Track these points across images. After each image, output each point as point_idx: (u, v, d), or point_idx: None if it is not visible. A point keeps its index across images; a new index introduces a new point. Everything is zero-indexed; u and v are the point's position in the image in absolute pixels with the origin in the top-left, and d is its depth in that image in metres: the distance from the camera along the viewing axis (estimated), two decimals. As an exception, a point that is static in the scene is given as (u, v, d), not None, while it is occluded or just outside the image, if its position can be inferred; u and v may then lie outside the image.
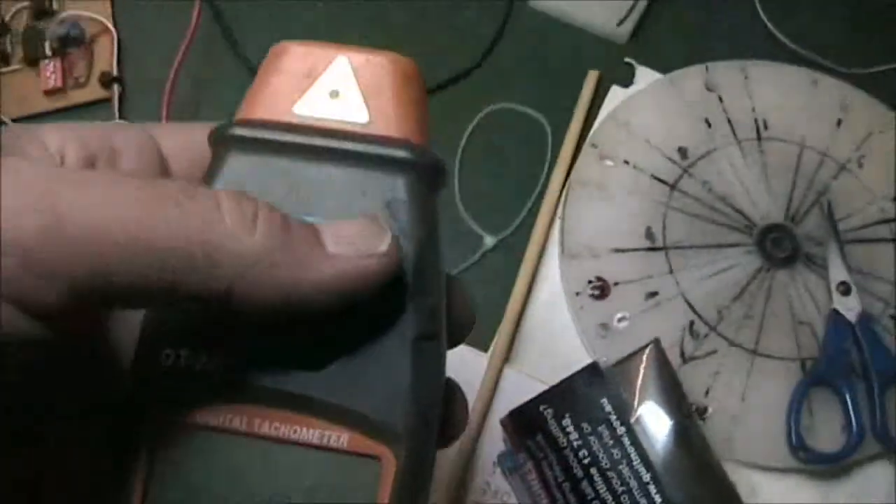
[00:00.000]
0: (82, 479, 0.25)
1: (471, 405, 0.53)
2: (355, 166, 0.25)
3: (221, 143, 0.26)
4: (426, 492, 0.25)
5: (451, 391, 0.28)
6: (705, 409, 0.56)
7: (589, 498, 0.51)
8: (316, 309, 0.22)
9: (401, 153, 0.25)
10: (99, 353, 0.26)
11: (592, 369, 0.52)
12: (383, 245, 0.23)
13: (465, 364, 0.57)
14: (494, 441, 0.55)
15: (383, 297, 0.24)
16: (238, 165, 0.25)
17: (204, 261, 0.20)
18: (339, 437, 0.25)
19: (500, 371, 0.57)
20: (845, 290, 0.58)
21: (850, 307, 0.58)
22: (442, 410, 0.27)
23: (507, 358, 0.57)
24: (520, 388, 0.54)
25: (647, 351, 0.53)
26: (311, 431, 0.25)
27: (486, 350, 0.57)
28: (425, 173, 0.26)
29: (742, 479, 0.53)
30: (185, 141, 0.28)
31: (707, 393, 0.56)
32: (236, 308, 0.21)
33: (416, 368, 0.25)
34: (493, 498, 0.55)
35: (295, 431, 0.25)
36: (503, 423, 0.53)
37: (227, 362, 0.25)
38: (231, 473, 0.24)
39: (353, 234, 0.23)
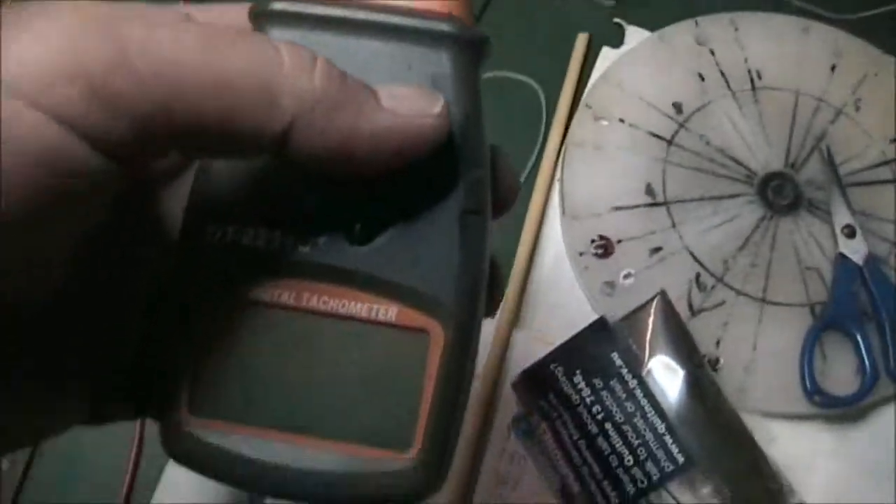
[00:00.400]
0: (135, 348, 0.26)
1: (480, 371, 0.53)
2: (399, 41, 0.25)
3: (262, 18, 0.25)
4: (472, 365, 0.25)
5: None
6: (717, 361, 0.55)
7: (605, 453, 0.50)
8: (368, 166, 0.22)
9: (445, 27, 0.25)
10: (149, 226, 0.26)
11: (600, 324, 0.52)
12: (436, 108, 0.23)
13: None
14: (508, 406, 0.55)
15: (431, 169, 0.24)
16: (280, 39, 0.24)
17: (265, 99, 0.20)
18: (388, 310, 0.25)
19: (509, 335, 0.56)
20: (850, 232, 0.58)
21: (855, 250, 0.57)
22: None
23: (514, 322, 0.57)
24: (529, 350, 0.54)
25: (654, 303, 0.52)
26: (360, 305, 0.25)
27: (492, 316, 0.57)
28: (469, 47, 0.25)
29: (759, 427, 0.53)
30: (220, 20, 0.27)
31: (718, 344, 0.56)
32: (292, 155, 0.21)
33: (463, 242, 0.25)
34: (510, 462, 0.54)
35: (343, 305, 0.25)
36: (514, 385, 0.53)
37: (274, 237, 0.24)
38: (279, 348, 0.24)
39: (406, 94, 0.23)
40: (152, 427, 0.56)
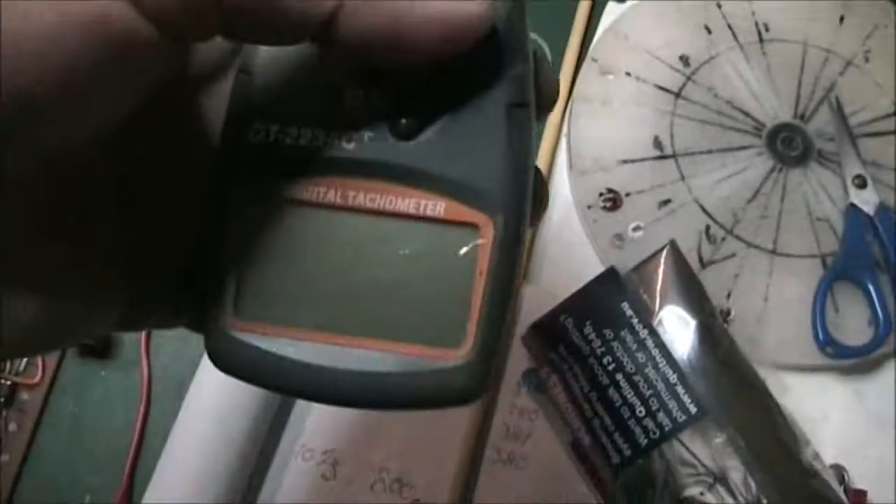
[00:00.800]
0: (179, 250, 0.25)
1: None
2: None
3: None
4: (520, 261, 0.25)
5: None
6: (728, 313, 0.55)
7: (617, 405, 0.50)
8: (414, 54, 0.22)
9: None
10: (190, 127, 0.26)
11: (610, 274, 0.51)
12: None
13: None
14: (518, 360, 0.54)
15: (476, 62, 0.23)
16: None
17: None
18: (436, 205, 0.24)
19: (518, 290, 0.56)
20: (861, 183, 0.57)
21: (866, 200, 0.57)
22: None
23: (524, 277, 0.56)
24: (538, 305, 0.53)
25: (664, 253, 0.52)
26: (407, 201, 0.24)
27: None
28: None
29: (771, 378, 0.52)
30: None
31: (729, 296, 0.55)
32: (339, 39, 0.21)
33: (510, 135, 0.24)
34: (520, 417, 0.54)
35: (390, 202, 0.24)
36: (524, 339, 0.53)
37: (318, 135, 0.24)
38: (325, 248, 0.24)
39: None
40: (158, 391, 0.56)
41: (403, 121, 0.24)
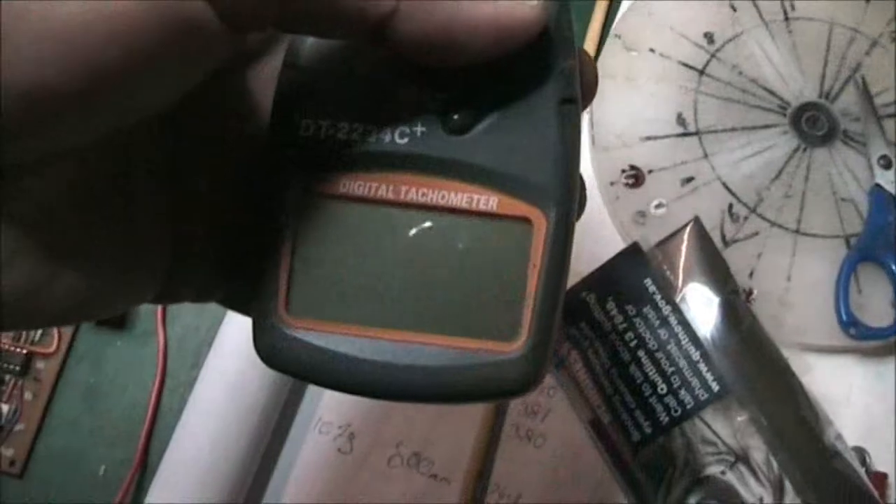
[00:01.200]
0: (218, 226, 0.26)
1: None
2: None
3: None
4: (570, 254, 0.25)
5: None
6: (751, 292, 0.54)
7: (638, 382, 0.50)
8: (467, 55, 0.22)
9: None
10: (234, 103, 0.26)
11: (634, 250, 0.51)
12: None
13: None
14: (537, 336, 0.54)
15: (528, 58, 0.24)
16: None
17: None
18: (489, 200, 0.24)
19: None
20: (886, 163, 0.56)
21: (891, 180, 0.56)
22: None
23: (543, 253, 0.56)
24: (559, 281, 0.52)
25: (687, 229, 0.51)
26: (460, 196, 0.24)
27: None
28: None
29: (794, 359, 0.52)
30: None
31: (751, 275, 0.55)
32: (393, 39, 0.21)
33: (562, 131, 0.24)
34: (539, 393, 0.53)
35: (443, 197, 0.24)
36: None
37: (370, 130, 0.24)
38: (379, 243, 0.24)
39: None
40: (173, 361, 0.55)
41: (456, 115, 0.24)
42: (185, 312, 0.57)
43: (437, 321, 0.24)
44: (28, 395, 0.54)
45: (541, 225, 0.24)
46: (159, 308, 0.56)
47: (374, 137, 0.24)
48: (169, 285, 0.25)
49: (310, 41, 0.24)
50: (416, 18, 0.21)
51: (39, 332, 0.56)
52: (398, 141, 0.24)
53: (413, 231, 0.24)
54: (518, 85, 0.24)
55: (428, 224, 0.24)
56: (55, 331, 0.56)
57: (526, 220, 0.24)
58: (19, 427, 0.54)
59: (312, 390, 0.54)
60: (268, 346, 0.24)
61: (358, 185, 0.24)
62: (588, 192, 0.54)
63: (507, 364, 0.24)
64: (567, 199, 0.24)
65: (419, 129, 0.24)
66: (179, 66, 0.19)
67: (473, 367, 0.24)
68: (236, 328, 0.52)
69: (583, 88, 0.26)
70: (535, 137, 0.24)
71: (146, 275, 0.24)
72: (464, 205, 0.24)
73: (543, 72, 0.24)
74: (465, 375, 0.24)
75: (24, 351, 0.55)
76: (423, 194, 0.24)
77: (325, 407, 0.53)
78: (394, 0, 0.20)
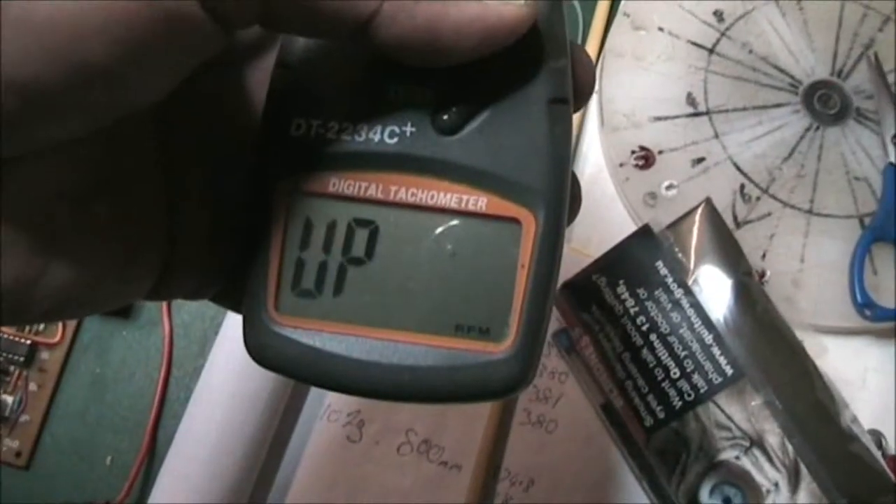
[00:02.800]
0: (212, 223, 0.26)
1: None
2: None
3: None
4: (561, 256, 0.25)
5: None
6: (764, 274, 0.53)
7: (650, 366, 0.49)
8: (454, 54, 0.22)
9: None
10: (228, 99, 0.27)
11: (644, 232, 0.50)
12: None
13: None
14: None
15: (518, 58, 0.24)
16: None
17: None
18: (478, 200, 0.24)
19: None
20: (900, 141, 0.55)
21: (906, 158, 0.55)
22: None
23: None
24: (570, 264, 0.52)
25: (699, 210, 0.50)
26: (450, 196, 0.24)
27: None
28: None
29: (808, 341, 0.51)
30: None
31: (764, 256, 0.54)
32: (378, 39, 0.21)
33: (551, 131, 0.24)
34: (551, 378, 0.53)
35: (433, 197, 0.24)
36: (555, 298, 0.51)
37: (360, 130, 0.24)
38: (368, 243, 0.25)
39: None
40: (179, 350, 0.55)
41: (445, 116, 0.24)
42: (192, 306, 0.56)
43: (425, 321, 0.24)
44: (33, 386, 0.54)
45: (530, 225, 0.24)
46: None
47: (364, 137, 0.24)
48: (163, 281, 0.25)
49: (302, 41, 0.25)
50: (400, 19, 0.21)
51: (43, 321, 0.55)
52: (388, 141, 0.24)
53: (402, 231, 0.25)
54: (508, 85, 0.24)
55: (417, 224, 0.24)
56: (59, 320, 0.55)
57: (515, 221, 0.24)
58: (24, 418, 0.53)
59: (320, 378, 0.53)
60: (257, 344, 0.25)
61: (348, 184, 0.24)
62: (598, 174, 0.54)
63: (495, 365, 0.24)
64: (557, 199, 0.24)
65: (409, 129, 0.24)
66: (168, 60, 0.20)
67: (461, 368, 0.24)
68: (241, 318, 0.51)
69: (578, 87, 0.26)
70: (525, 138, 0.24)
71: (140, 270, 0.24)
72: (453, 205, 0.24)
73: (534, 71, 0.24)
74: (453, 375, 0.24)
75: (28, 341, 0.54)
76: (413, 194, 0.24)
77: (335, 395, 0.53)
78: (377, 1, 0.20)
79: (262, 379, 0.50)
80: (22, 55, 0.17)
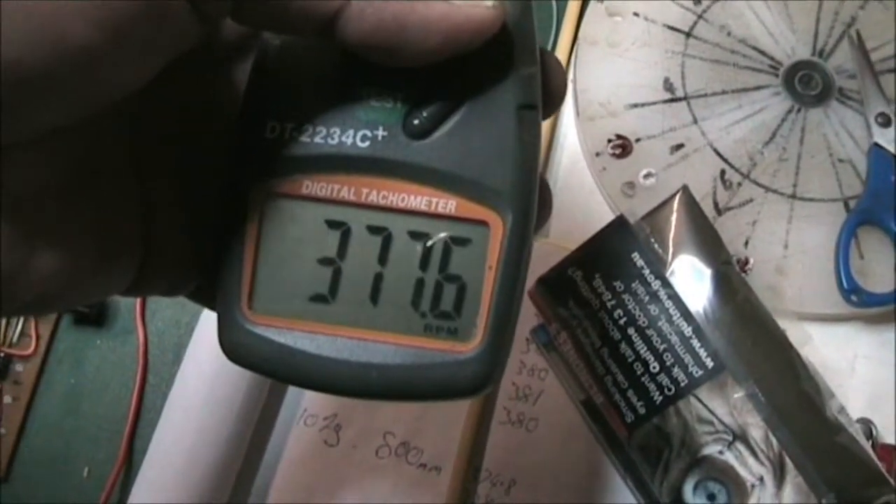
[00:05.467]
0: (189, 218, 0.27)
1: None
2: None
3: None
4: (529, 258, 0.26)
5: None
6: (747, 261, 0.52)
7: (629, 360, 0.48)
8: (420, 54, 0.23)
9: None
10: (207, 95, 0.28)
11: (620, 223, 0.49)
12: None
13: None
14: (526, 317, 0.52)
15: (488, 64, 0.25)
16: None
17: None
18: (447, 203, 0.25)
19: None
20: (885, 121, 0.54)
21: (891, 139, 0.54)
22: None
23: (529, 230, 0.54)
24: (549, 258, 0.50)
25: (676, 199, 0.49)
26: (419, 199, 0.25)
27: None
28: None
29: (793, 330, 0.50)
30: None
31: (747, 244, 0.52)
32: (344, 37, 0.22)
33: (520, 137, 0.25)
34: (530, 376, 0.51)
35: (403, 199, 0.25)
36: (531, 294, 0.50)
37: (333, 132, 0.25)
38: (339, 244, 0.25)
39: None
40: (154, 358, 0.54)
41: (416, 121, 0.25)
42: (164, 308, 0.55)
43: (394, 320, 0.25)
44: (8, 399, 0.53)
45: (498, 228, 0.25)
46: (138, 304, 0.55)
47: (336, 140, 0.25)
48: (141, 277, 0.26)
49: (277, 44, 0.25)
50: (367, 14, 0.21)
51: (17, 333, 0.54)
52: (360, 144, 0.25)
53: (373, 233, 0.25)
54: (478, 90, 0.25)
55: (388, 226, 0.25)
56: (33, 331, 0.54)
57: (483, 223, 0.25)
58: (1, 431, 0.53)
59: (295, 382, 0.52)
60: (231, 342, 0.25)
61: (320, 186, 0.25)
62: (575, 165, 0.53)
63: (463, 364, 0.25)
64: (524, 203, 0.25)
65: (381, 132, 0.25)
66: (147, 44, 0.20)
67: (429, 367, 0.25)
68: (214, 323, 0.50)
69: (549, 94, 0.26)
70: (494, 143, 0.25)
71: (119, 265, 0.25)
72: (423, 207, 0.25)
73: (504, 77, 0.25)
74: (421, 374, 0.25)
75: (2, 354, 0.53)
76: (384, 197, 0.25)
77: (310, 398, 0.52)
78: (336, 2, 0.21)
79: (235, 385, 0.49)
80: (5, 38, 0.18)
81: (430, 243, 0.25)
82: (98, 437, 0.53)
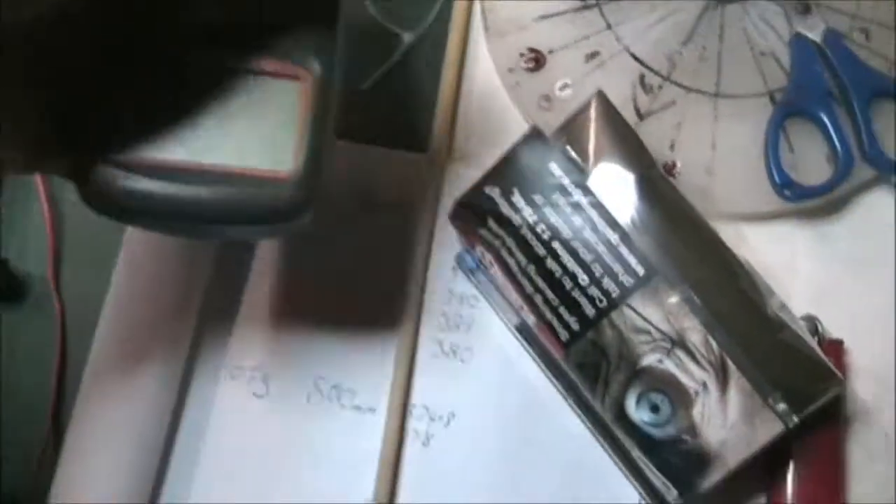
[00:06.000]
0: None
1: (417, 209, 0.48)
2: None
3: None
4: (334, 101, 0.34)
5: None
6: (674, 165, 0.50)
7: (557, 275, 0.46)
8: None
9: None
10: None
11: (534, 134, 0.47)
12: None
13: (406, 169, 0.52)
14: (449, 244, 0.50)
15: None
16: None
17: None
18: (268, 63, 0.34)
19: (443, 170, 0.51)
20: (804, 8, 0.52)
21: (812, 26, 0.52)
22: None
23: (448, 154, 0.51)
24: (467, 181, 0.48)
25: (591, 106, 0.47)
26: (247, 59, 0.33)
27: (425, 151, 0.51)
28: None
29: (728, 231, 0.48)
30: None
31: (672, 147, 0.50)
32: None
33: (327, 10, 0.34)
34: (460, 304, 0.50)
35: (233, 60, 0.34)
36: (451, 217, 0.48)
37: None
38: (174, 93, 0.33)
39: None
40: (73, 325, 0.51)
41: None
42: (78, 270, 0.53)
43: (223, 151, 0.32)
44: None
45: (307, 79, 0.33)
46: (50, 272, 0.52)
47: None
48: (35, 159, 0.30)
49: None
50: None
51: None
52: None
53: (204, 85, 0.33)
54: None
55: (219, 80, 0.33)
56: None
57: (296, 78, 0.33)
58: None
59: (215, 335, 0.50)
60: (88, 192, 0.31)
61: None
62: (488, 84, 0.50)
63: (283, 185, 0.33)
64: (329, 60, 0.34)
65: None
66: None
67: (253, 193, 0.32)
68: (126, 291, 0.48)
69: None
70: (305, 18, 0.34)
71: (11, 149, 0.28)
72: (251, 66, 0.33)
73: None
74: (246, 197, 0.32)
75: None
76: (217, 57, 0.33)
77: (233, 350, 0.49)
78: None
79: (152, 340, 0.47)
80: None
81: (253, 93, 0.33)
82: (24, 420, 0.51)
